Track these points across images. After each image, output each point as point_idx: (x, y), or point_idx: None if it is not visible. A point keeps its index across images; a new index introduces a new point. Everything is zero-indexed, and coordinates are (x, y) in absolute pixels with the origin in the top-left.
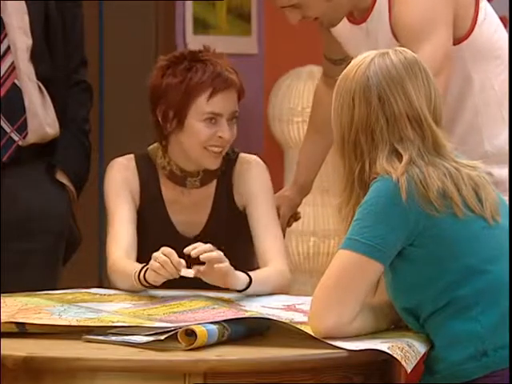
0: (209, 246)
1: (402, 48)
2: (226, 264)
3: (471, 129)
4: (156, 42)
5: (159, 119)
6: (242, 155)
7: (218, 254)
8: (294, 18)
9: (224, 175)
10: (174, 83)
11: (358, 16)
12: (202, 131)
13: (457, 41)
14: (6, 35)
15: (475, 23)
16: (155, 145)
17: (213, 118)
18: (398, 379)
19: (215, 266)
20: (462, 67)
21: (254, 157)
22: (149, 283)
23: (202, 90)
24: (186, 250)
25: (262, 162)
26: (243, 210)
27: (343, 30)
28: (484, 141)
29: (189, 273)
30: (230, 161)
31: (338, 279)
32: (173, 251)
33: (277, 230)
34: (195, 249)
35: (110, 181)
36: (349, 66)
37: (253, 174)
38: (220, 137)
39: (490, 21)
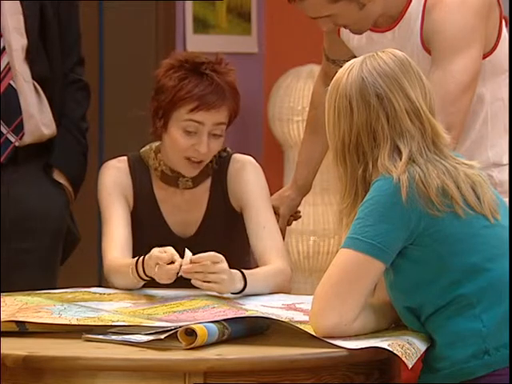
0: (197, 265)
1: (389, 49)
2: (218, 276)
3: (479, 139)
4: (156, 42)
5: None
6: (236, 155)
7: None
8: (325, 25)
9: (218, 176)
10: (167, 87)
11: (384, 24)
12: (179, 141)
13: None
14: (0, 36)
15: (498, 42)
16: (147, 147)
17: (192, 128)
18: (397, 378)
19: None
20: (479, 83)
21: (248, 157)
22: (148, 276)
23: (186, 103)
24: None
25: (255, 162)
26: (239, 211)
27: (358, 36)
28: (488, 148)
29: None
30: (223, 161)
31: (339, 278)
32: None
33: (274, 229)
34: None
35: (103, 183)
36: (337, 73)
37: (247, 175)
38: (197, 150)
39: (505, 36)
